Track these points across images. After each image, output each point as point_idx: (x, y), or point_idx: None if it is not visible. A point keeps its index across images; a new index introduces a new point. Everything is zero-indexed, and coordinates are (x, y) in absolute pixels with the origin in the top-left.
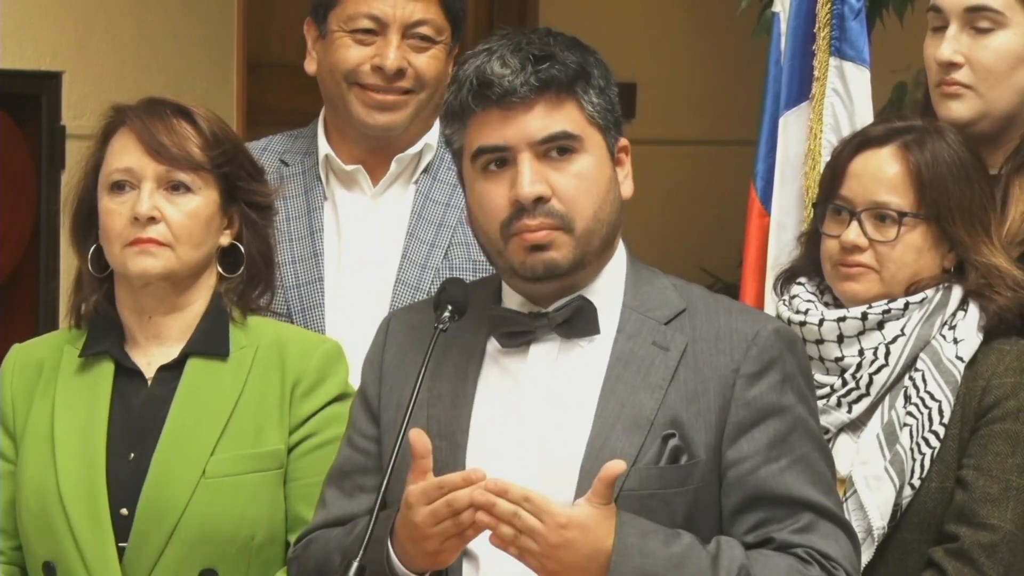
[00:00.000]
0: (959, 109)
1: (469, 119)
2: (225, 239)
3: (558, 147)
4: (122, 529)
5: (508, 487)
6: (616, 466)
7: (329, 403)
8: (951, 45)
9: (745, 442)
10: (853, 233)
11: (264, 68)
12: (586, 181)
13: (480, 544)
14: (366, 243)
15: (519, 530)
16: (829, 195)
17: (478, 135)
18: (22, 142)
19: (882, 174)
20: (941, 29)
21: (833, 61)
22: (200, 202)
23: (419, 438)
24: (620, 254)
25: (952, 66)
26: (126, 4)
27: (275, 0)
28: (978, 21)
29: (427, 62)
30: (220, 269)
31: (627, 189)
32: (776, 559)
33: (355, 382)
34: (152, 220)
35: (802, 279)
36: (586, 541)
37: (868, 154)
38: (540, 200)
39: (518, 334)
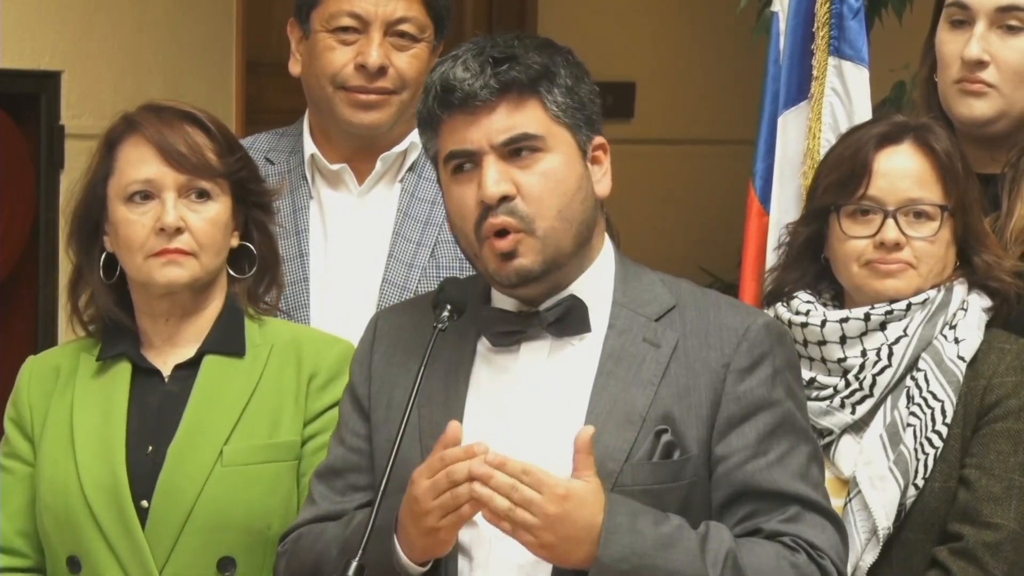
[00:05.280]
0: (980, 107)
1: (439, 125)
2: (234, 241)
3: (522, 148)
4: (143, 521)
5: (506, 460)
6: (586, 432)
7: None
8: (980, 43)
9: (735, 437)
10: (892, 231)
11: (263, 68)
12: (552, 180)
13: (476, 541)
14: (352, 242)
15: (516, 503)
16: (847, 197)
17: (448, 140)
18: (21, 142)
19: (909, 171)
20: (963, 24)
21: (832, 60)
22: (219, 208)
23: (454, 431)
24: (607, 251)
25: (979, 64)
26: (125, 4)
27: (275, 0)
28: (1008, 21)
29: (408, 62)
30: (230, 270)
31: (603, 187)
32: (764, 546)
33: None
34: (178, 231)
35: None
36: (582, 514)
37: (888, 152)
38: (505, 199)
39: (509, 333)
